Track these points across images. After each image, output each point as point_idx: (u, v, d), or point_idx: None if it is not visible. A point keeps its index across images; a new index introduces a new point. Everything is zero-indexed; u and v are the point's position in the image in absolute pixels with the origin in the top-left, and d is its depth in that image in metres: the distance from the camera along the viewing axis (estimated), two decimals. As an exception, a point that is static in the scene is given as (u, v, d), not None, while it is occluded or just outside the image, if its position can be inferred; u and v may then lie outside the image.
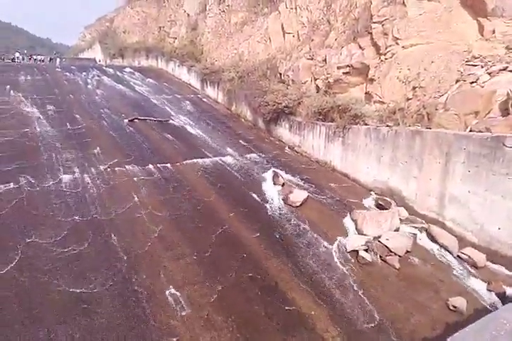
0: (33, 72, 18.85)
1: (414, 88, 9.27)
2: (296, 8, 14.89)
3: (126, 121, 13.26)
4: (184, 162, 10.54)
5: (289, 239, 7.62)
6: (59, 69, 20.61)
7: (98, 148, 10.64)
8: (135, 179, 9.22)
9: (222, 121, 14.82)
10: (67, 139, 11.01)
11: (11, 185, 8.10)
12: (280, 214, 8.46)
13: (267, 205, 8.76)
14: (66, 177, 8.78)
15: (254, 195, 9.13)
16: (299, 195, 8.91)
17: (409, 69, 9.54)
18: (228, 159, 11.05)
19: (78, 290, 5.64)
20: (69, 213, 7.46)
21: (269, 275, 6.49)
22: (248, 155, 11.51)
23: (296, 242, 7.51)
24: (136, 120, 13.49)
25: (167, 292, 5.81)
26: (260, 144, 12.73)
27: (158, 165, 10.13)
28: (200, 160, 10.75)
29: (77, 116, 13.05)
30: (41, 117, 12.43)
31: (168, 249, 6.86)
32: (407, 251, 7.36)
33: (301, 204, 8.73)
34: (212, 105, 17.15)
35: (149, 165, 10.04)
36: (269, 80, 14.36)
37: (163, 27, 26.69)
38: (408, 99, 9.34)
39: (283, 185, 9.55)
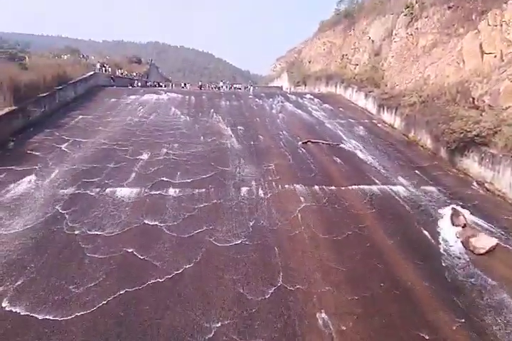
0: (232, 98, 22.33)
1: None
2: (501, 25, 12.89)
3: (300, 143, 14.06)
4: (350, 187, 10.36)
5: (464, 291, 6.40)
6: (251, 96, 23.76)
7: (273, 165, 11.62)
8: (301, 198, 9.60)
9: (396, 148, 13.94)
10: (250, 155, 12.46)
11: (203, 189, 9.69)
12: (456, 259, 7.24)
13: (441, 246, 7.66)
14: (244, 189, 9.90)
15: (426, 233, 8.13)
16: (484, 241, 7.44)
17: None
18: (399, 189, 10.25)
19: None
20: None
21: (436, 331, 5.55)
22: (423, 188, 10.39)
23: (475, 297, 6.23)
24: (309, 142, 14.15)
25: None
26: (439, 176, 11.33)
27: (324, 187, 10.28)
28: (366, 187, 10.36)
29: (260, 136, 14.64)
30: (232, 135, 14.52)
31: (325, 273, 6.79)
32: None
33: (486, 253, 7.25)
34: (387, 131, 16.41)
35: (315, 186, 10.30)
36: (458, 105, 12.77)
37: (346, 55, 27.46)
38: None
39: (464, 226, 8.17)
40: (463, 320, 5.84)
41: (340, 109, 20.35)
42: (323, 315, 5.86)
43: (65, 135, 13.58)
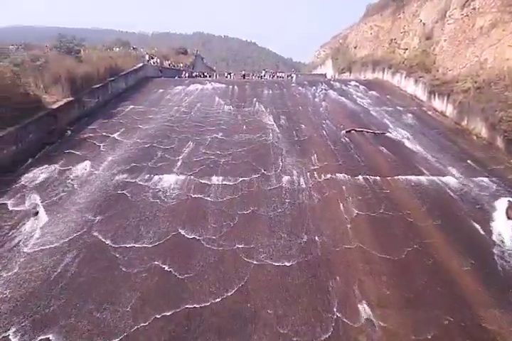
0: (274, 87, 22.22)
1: None
2: None
3: (343, 132, 13.78)
4: (396, 177, 10.07)
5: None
6: (294, 85, 23.50)
7: (315, 155, 11.54)
8: (344, 187, 9.51)
9: (447, 137, 13.23)
10: (292, 145, 12.44)
11: (246, 178, 9.91)
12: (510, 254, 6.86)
13: (495, 242, 7.28)
14: (285, 179, 9.97)
15: (478, 227, 7.76)
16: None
17: None
18: (449, 180, 9.79)
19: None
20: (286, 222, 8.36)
21: (484, 327, 5.34)
22: (476, 179, 9.83)
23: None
24: (353, 131, 13.83)
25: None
26: (495, 167, 10.63)
27: (368, 177, 10.07)
28: (414, 178, 10.01)
29: (303, 126, 14.53)
30: (275, 125, 14.54)
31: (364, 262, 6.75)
32: None
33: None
34: (437, 119, 15.58)
35: (359, 176, 10.12)
36: (519, 91, 11.83)
37: (395, 39, 26.18)
38: None
39: (521, 220, 7.70)
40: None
41: (387, 96, 19.57)
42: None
43: (118, 124, 14.38)
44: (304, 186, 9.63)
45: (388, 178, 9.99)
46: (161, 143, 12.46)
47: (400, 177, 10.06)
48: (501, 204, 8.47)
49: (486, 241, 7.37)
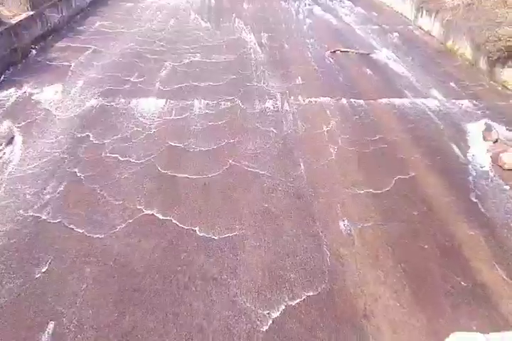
0: (254, 1, 20.31)
1: None
2: None
3: (328, 52, 13.27)
4: (379, 100, 10.12)
5: (488, 203, 6.58)
6: (275, -3, 21.48)
7: (299, 77, 11.24)
8: (327, 111, 9.53)
9: (431, 58, 13.03)
10: (274, 66, 12.00)
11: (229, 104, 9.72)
12: (482, 173, 7.38)
13: (469, 160, 7.74)
14: (269, 102, 9.84)
15: (454, 147, 8.16)
16: (515, 156, 7.45)
17: None
18: (431, 102, 9.94)
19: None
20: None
21: (455, 240, 5.90)
22: (457, 101, 10.02)
23: (497, 210, 6.42)
24: (337, 52, 13.34)
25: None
26: (475, 88, 10.78)
27: (352, 100, 10.08)
28: (397, 100, 10.09)
29: (286, 45, 13.82)
30: (256, 44, 13.74)
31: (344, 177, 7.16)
32: None
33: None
34: (423, 38, 15.10)
35: (343, 99, 10.10)
36: (509, 8, 11.40)
37: None
38: None
39: (496, 141, 8.13)
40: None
41: (374, 13, 18.45)
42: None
43: (87, 43, 13.19)
44: (287, 109, 9.57)
45: (371, 101, 10.04)
46: (135, 63, 11.69)
47: (382, 99, 10.12)
48: (479, 126, 8.80)
49: (460, 160, 7.85)
